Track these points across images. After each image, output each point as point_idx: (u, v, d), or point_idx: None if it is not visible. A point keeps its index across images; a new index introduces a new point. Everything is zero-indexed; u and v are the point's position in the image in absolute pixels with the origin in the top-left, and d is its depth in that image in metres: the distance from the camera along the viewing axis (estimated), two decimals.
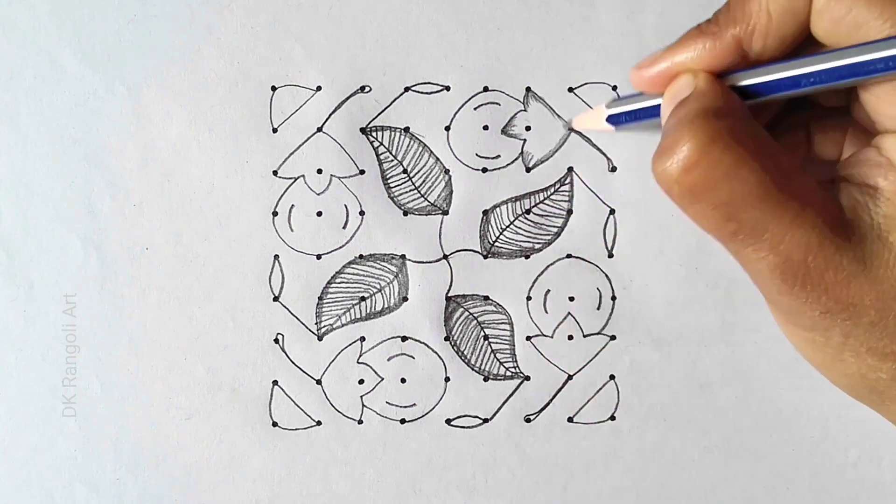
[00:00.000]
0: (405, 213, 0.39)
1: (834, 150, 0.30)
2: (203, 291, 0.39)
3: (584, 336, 0.39)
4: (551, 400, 0.39)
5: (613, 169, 0.38)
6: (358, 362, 0.39)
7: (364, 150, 0.39)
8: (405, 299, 0.39)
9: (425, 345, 0.39)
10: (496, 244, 0.39)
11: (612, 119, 0.32)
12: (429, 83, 0.39)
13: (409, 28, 0.39)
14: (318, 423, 0.39)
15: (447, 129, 0.39)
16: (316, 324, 0.39)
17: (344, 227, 0.39)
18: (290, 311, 0.39)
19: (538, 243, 0.39)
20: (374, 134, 0.39)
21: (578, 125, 0.37)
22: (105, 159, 0.39)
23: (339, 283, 0.39)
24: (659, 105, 0.29)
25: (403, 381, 0.39)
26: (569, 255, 0.39)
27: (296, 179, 0.39)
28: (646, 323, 0.38)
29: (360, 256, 0.39)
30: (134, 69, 0.39)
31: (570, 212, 0.39)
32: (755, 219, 0.25)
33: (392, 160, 0.39)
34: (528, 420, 0.39)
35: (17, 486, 0.39)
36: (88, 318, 0.39)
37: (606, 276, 0.38)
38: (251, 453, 0.39)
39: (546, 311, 0.39)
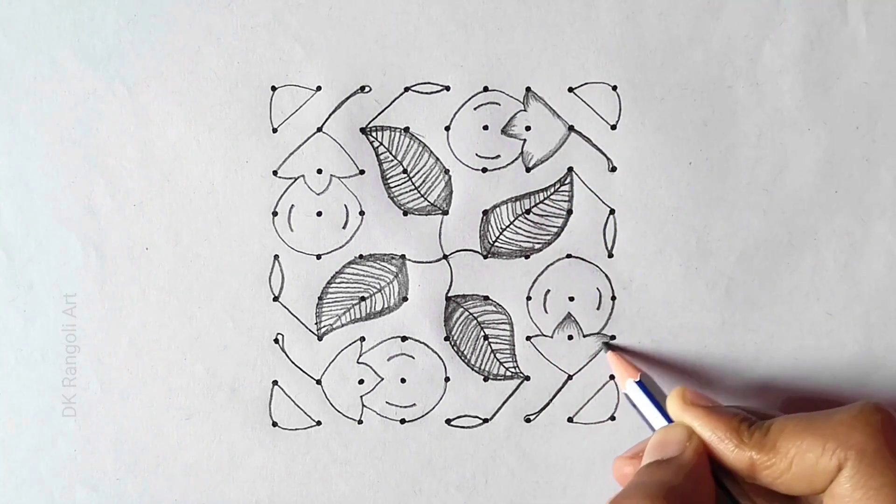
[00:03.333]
0: (405, 213, 0.39)
1: None
2: (203, 291, 0.39)
3: (584, 336, 0.39)
4: (551, 400, 0.39)
5: (613, 169, 0.38)
6: (358, 362, 0.39)
7: (364, 150, 0.39)
8: (405, 299, 0.39)
9: (425, 345, 0.39)
10: (496, 244, 0.39)
11: (638, 385, 0.35)
12: (429, 83, 0.39)
13: (409, 28, 0.39)
14: (318, 423, 0.39)
15: (447, 129, 0.39)
16: (316, 324, 0.39)
17: (344, 227, 0.39)
18: (290, 311, 0.39)
19: (538, 243, 0.39)
20: (374, 134, 0.39)
21: (613, 358, 0.37)
22: (105, 159, 0.39)
23: (339, 283, 0.39)
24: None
25: (403, 381, 0.39)
26: (569, 255, 0.39)
27: (296, 179, 0.39)
28: (646, 323, 0.38)
29: (360, 256, 0.39)
30: (134, 69, 0.39)
31: (569, 212, 0.39)
32: None
33: (392, 160, 0.39)
34: (528, 420, 0.39)
35: (17, 486, 0.39)
36: (88, 318, 0.39)
37: (606, 276, 0.38)
38: (251, 453, 0.39)
39: (546, 311, 0.39)
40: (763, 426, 0.31)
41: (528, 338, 0.39)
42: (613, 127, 0.38)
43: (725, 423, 0.31)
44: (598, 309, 0.38)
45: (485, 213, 0.39)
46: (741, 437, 0.31)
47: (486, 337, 0.39)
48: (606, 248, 0.38)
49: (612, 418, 0.38)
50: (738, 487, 0.32)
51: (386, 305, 0.39)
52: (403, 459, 0.38)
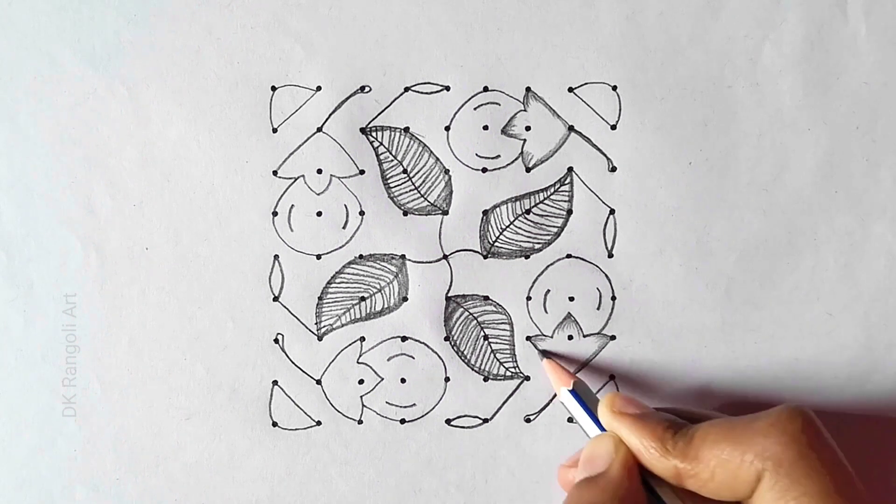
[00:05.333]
0: (405, 213, 0.39)
1: None
2: (203, 291, 0.39)
3: (584, 336, 0.39)
4: (551, 400, 0.39)
5: (613, 169, 0.38)
6: (358, 362, 0.39)
7: (364, 150, 0.39)
8: (405, 299, 0.39)
9: (425, 345, 0.39)
10: (496, 244, 0.39)
11: (571, 393, 0.35)
12: (429, 83, 0.39)
13: (409, 28, 0.39)
14: (318, 423, 0.39)
15: (447, 129, 0.39)
16: (316, 324, 0.39)
17: (344, 227, 0.39)
18: (290, 311, 0.39)
19: (538, 243, 0.39)
20: (374, 134, 0.39)
21: (548, 366, 0.37)
22: (105, 159, 0.39)
23: (338, 283, 0.39)
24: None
25: (403, 381, 0.39)
26: (569, 255, 0.39)
27: (296, 179, 0.39)
28: (646, 323, 0.38)
29: (360, 256, 0.39)
30: (134, 69, 0.39)
31: (570, 212, 0.39)
32: None
33: (392, 160, 0.39)
34: (528, 420, 0.39)
35: (17, 486, 0.39)
36: (88, 318, 0.39)
37: (606, 276, 0.38)
38: (251, 453, 0.39)
39: (546, 311, 0.39)
40: (687, 433, 0.30)
41: (528, 338, 0.39)
42: (613, 127, 0.38)
43: (650, 431, 0.31)
44: (598, 309, 0.38)
45: (485, 213, 0.39)
46: (665, 445, 0.30)
47: (486, 337, 0.39)
48: (606, 248, 0.38)
49: None
50: (671, 493, 0.31)
51: (386, 305, 0.39)
52: (403, 459, 0.38)
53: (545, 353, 0.38)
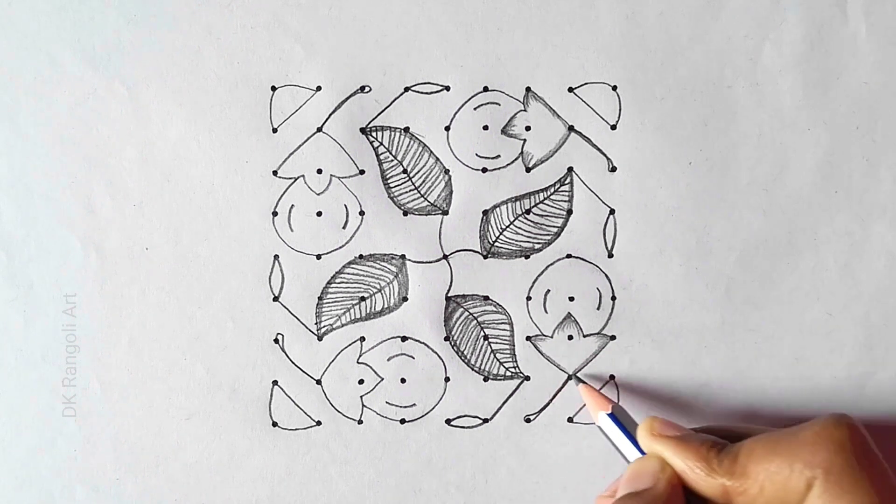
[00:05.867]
0: (405, 213, 0.39)
1: None
2: (203, 291, 0.39)
3: (584, 336, 0.39)
4: (551, 400, 0.39)
5: (613, 169, 0.38)
6: (358, 362, 0.39)
7: (364, 150, 0.39)
8: (405, 299, 0.39)
9: (425, 345, 0.39)
10: (496, 244, 0.39)
11: (610, 417, 0.35)
12: (429, 83, 0.39)
13: (409, 28, 0.39)
14: (318, 423, 0.39)
15: (447, 129, 0.39)
16: (316, 324, 0.39)
17: (344, 227, 0.39)
18: (290, 311, 0.39)
19: (538, 243, 0.39)
20: (374, 134, 0.39)
21: (585, 391, 0.37)
22: (105, 159, 0.39)
23: (338, 283, 0.39)
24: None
25: (403, 381, 0.39)
26: (569, 255, 0.39)
27: (296, 179, 0.39)
28: (646, 323, 0.38)
29: (360, 256, 0.39)
30: (134, 69, 0.39)
31: (569, 212, 0.39)
32: None
33: (392, 160, 0.39)
34: (528, 420, 0.39)
35: (17, 486, 0.39)
36: (88, 318, 0.39)
37: (606, 276, 0.38)
38: (251, 453, 0.39)
39: (546, 311, 0.39)
40: (732, 451, 0.30)
41: (528, 338, 0.39)
42: (613, 127, 0.38)
43: (694, 451, 0.31)
44: (598, 309, 0.38)
45: (485, 213, 0.39)
46: (711, 464, 0.30)
47: (486, 337, 0.39)
48: (606, 248, 0.38)
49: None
50: None
51: (386, 305, 0.39)
52: (403, 459, 0.38)
53: (579, 379, 0.38)
